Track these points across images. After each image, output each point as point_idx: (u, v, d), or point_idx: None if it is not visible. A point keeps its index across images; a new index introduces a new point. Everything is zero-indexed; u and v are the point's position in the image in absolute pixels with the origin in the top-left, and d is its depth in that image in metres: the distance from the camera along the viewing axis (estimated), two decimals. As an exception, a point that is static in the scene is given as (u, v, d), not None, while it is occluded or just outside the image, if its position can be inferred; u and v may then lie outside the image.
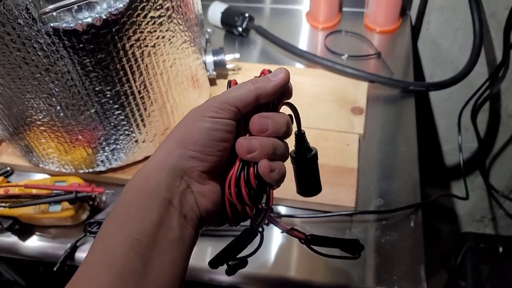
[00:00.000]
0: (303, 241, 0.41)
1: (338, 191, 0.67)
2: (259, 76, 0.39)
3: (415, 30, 1.02)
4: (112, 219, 0.33)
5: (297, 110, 0.40)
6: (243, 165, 0.36)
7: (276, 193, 0.39)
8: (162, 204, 0.33)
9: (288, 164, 0.41)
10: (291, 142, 0.41)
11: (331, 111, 0.79)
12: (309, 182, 0.43)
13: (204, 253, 0.64)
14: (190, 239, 0.35)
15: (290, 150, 0.42)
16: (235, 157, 0.37)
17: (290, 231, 0.40)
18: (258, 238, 0.39)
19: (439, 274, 1.35)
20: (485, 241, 1.21)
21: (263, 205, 0.38)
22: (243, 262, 0.39)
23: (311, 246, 0.41)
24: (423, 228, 0.65)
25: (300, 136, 0.41)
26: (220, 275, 0.63)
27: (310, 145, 0.43)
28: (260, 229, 0.38)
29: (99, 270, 0.31)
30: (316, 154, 0.42)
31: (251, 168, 0.36)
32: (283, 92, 0.38)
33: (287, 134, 0.38)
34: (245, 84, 0.37)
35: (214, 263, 0.38)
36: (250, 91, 0.36)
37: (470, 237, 1.23)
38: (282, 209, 0.68)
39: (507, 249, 1.18)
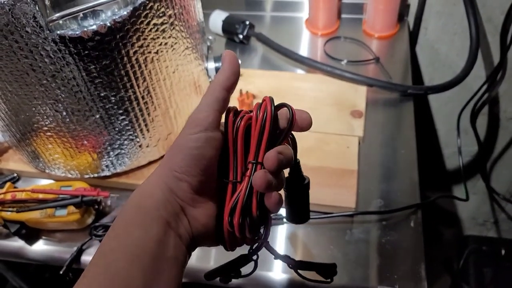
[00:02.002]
0: (291, 266, 0.43)
1: (339, 192, 0.68)
2: (262, 103, 0.38)
3: (413, 36, 1.04)
4: (112, 235, 0.34)
5: (295, 139, 0.40)
6: (249, 195, 0.36)
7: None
8: (160, 223, 0.34)
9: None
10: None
11: (332, 115, 0.81)
12: (299, 209, 0.44)
13: (208, 255, 0.65)
14: (184, 258, 0.36)
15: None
16: (226, 179, 0.37)
17: (281, 258, 0.42)
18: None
19: (442, 278, 1.36)
20: (488, 244, 1.22)
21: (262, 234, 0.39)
22: (237, 275, 0.41)
23: (298, 271, 0.44)
24: (426, 232, 0.66)
25: (296, 165, 0.42)
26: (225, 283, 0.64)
27: (304, 175, 0.43)
28: (254, 257, 0.40)
29: (102, 285, 0.31)
30: (308, 184, 0.43)
31: (254, 199, 0.36)
32: (291, 124, 0.37)
33: (290, 164, 0.38)
34: (208, 89, 0.38)
35: (209, 276, 0.40)
36: (216, 89, 0.37)
37: (472, 240, 1.24)
38: (284, 212, 0.69)
39: (510, 252, 1.18)
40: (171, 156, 0.36)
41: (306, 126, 0.38)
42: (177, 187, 0.36)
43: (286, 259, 0.43)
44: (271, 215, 0.38)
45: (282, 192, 0.40)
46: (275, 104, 0.37)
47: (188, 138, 0.36)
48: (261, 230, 0.39)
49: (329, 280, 0.44)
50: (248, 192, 0.36)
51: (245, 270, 0.42)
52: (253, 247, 0.39)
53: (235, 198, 0.36)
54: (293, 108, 0.37)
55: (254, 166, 0.36)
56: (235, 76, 0.38)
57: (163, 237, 0.34)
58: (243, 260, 0.40)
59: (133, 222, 0.34)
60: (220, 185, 0.38)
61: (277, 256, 0.42)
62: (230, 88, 0.38)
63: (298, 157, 0.41)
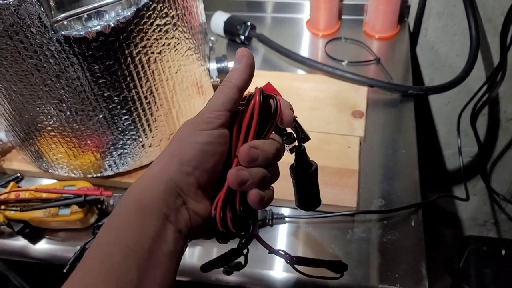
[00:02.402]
0: (288, 261, 0.42)
1: (340, 192, 0.69)
2: (252, 95, 0.38)
3: (414, 37, 1.04)
4: (109, 227, 0.34)
5: (298, 125, 0.40)
6: (231, 191, 0.36)
7: (279, 194, 0.40)
8: (159, 218, 0.34)
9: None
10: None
11: (332, 115, 0.81)
12: (308, 196, 0.44)
13: (210, 254, 0.66)
14: (182, 252, 0.36)
15: (290, 164, 0.42)
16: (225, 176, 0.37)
17: (276, 252, 0.41)
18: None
19: (443, 278, 1.36)
20: (488, 244, 1.22)
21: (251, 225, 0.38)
22: (238, 266, 0.41)
23: (295, 266, 0.42)
24: (427, 233, 0.66)
25: (301, 152, 0.41)
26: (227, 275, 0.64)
27: (310, 160, 0.42)
28: (244, 251, 0.39)
29: (95, 278, 0.31)
30: (316, 169, 0.42)
31: (237, 196, 0.36)
32: (274, 117, 0.37)
33: (276, 160, 0.38)
34: (222, 88, 0.37)
35: (205, 268, 0.40)
36: (231, 89, 0.37)
37: (472, 240, 1.24)
38: (286, 211, 0.70)
39: (510, 252, 1.18)
40: (180, 150, 0.36)
41: (286, 122, 0.38)
42: (184, 181, 0.35)
43: (282, 254, 0.42)
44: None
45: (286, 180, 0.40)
46: (264, 95, 0.36)
47: (200, 133, 0.36)
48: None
49: (339, 275, 0.43)
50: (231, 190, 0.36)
51: (254, 268, 0.42)
52: (242, 241, 0.39)
53: (220, 192, 0.36)
54: (279, 99, 0.37)
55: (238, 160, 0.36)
56: (251, 78, 0.38)
57: (161, 231, 0.33)
58: (234, 253, 0.39)
59: (131, 216, 0.34)
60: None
61: (271, 251, 0.41)
62: (245, 89, 0.38)
63: None
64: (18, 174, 0.77)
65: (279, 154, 0.38)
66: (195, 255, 0.66)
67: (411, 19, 1.03)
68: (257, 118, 0.36)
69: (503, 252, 1.17)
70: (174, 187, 0.35)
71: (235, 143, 0.37)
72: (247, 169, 0.35)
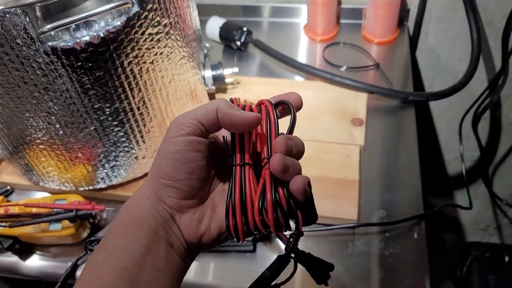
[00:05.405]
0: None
1: (340, 203, 0.67)
2: (258, 105, 0.38)
3: (413, 41, 1.02)
4: (100, 249, 0.34)
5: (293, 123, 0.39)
6: (276, 188, 0.34)
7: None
8: (148, 233, 0.33)
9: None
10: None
11: (331, 123, 0.79)
12: (304, 211, 0.42)
13: (206, 269, 0.64)
14: (178, 268, 0.35)
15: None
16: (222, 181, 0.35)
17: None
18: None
19: (445, 285, 1.34)
20: (491, 251, 1.20)
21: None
22: None
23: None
24: (427, 239, 0.65)
25: None
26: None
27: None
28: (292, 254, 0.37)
29: None
30: (309, 183, 0.41)
31: (281, 190, 0.33)
32: (294, 114, 0.37)
33: (301, 155, 0.37)
34: (208, 107, 0.35)
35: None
36: (213, 108, 0.35)
37: (475, 247, 1.22)
38: (284, 223, 0.67)
39: (513, 258, 1.17)
40: (156, 164, 0.35)
41: (297, 106, 0.39)
42: (164, 195, 0.35)
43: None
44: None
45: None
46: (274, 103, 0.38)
47: (168, 142, 0.34)
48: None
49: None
50: (274, 185, 0.34)
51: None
52: (290, 244, 0.36)
53: (260, 193, 0.34)
54: (292, 104, 0.38)
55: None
56: (235, 128, 0.35)
57: (151, 246, 0.33)
58: (283, 261, 0.37)
59: (121, 235, 0.34)
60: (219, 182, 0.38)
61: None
62: (223, 126, 0.35)
63: None
64: (8, 187, 0.75)
65: (304, 149, 0.37)
66: (191, 270, 0.64)
67: (410, 23, 1.02)
68: (275, 116, 0.36)
69: (507, 258, 1.15)
70: (159, 202, 0.35)
71: (253, 145, 0.37)
72: (287, 157, 0.33)
